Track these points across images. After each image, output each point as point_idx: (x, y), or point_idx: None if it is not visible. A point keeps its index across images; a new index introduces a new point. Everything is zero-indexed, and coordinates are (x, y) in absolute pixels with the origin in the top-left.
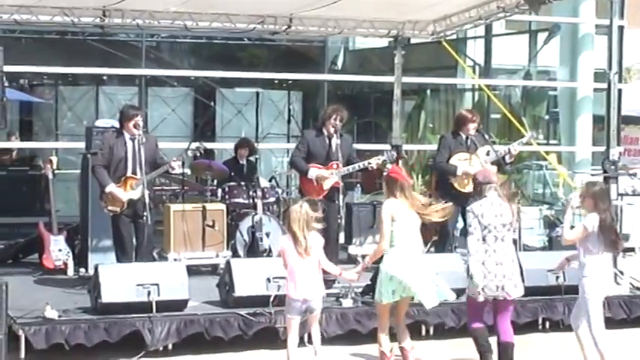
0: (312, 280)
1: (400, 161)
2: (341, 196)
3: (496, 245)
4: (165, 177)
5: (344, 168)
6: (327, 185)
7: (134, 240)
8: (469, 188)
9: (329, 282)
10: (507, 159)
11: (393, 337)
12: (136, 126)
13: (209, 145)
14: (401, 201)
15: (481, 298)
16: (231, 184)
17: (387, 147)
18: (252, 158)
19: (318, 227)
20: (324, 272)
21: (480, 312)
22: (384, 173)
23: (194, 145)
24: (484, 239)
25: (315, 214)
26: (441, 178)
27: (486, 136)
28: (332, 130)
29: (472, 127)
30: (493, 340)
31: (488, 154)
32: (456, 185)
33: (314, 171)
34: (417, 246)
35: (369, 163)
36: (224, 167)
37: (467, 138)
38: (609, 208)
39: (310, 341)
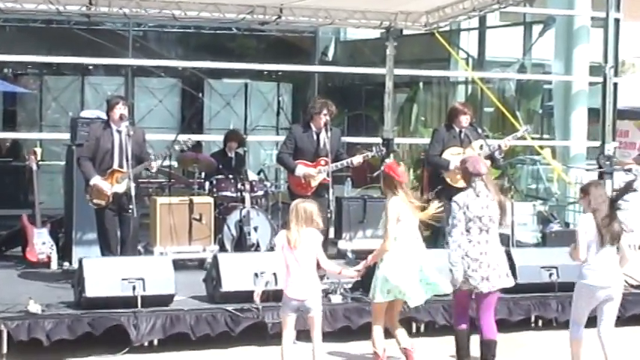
0: (307, 278)
1: (392, 155)
2: (330, 190)
3: (480, 237)
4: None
5: (332, 164)
6: (314, 182)
7: (119, 233)
8: (462, 183)
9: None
10: (497, 154)
11: (387, 334)
12: (121, 117)
13: (197, 138)
14: (403, 198)
15: (465, 287)
16: (219, 177)
17: (379, 140)
18: (240, 151)
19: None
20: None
21: (466, 308)
22: (382, 168)
23: (183, 137)
24: (468, 231)
25: (317, 216)
26: (433, 172)
27: (479, 130)
28: (321, 124)
29: (465, 120)
30: (476, 339)
31: (481, 147)
32: (448, 180)
33: (301, 169)
34: (417, 244)
35: (351, 162)
36: (212, 160)
37: (460, 131)
38: (601, 202)
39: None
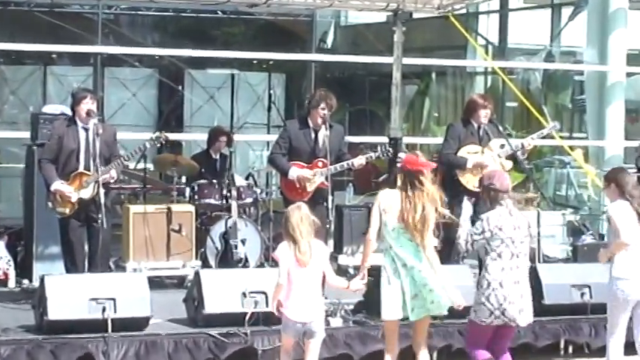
0: (312, 297)
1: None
2: (330, 198)
3: (512, 262)
4: (124, 173)
5: (331, 167)
6: (311, 187)
7: (86, 247)
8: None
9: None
10: (520, 154)
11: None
12: (89, 113)
13: (176, 137)
14: (402, 191)
15: (497, 322)
16: (202, 182)
17: (385, 140)
18: (225, 152)
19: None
20: None
21: (484, 338)
22: (398, 164)
23: (156, 133)
24: (500, 255)
25: (315, 219)
26: (447, 174)
27: (500, 128)
28: (319, 121)
29: (484, 115)
30: None
31: (502, 147)
32: (464, 182)
33: (295, 171)
34: (411, 248)
35: (352, 163)
36: (193, 162)
37: (479, 128)
38: (633, 189)
39: None
